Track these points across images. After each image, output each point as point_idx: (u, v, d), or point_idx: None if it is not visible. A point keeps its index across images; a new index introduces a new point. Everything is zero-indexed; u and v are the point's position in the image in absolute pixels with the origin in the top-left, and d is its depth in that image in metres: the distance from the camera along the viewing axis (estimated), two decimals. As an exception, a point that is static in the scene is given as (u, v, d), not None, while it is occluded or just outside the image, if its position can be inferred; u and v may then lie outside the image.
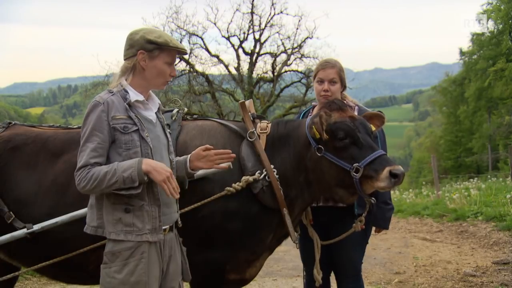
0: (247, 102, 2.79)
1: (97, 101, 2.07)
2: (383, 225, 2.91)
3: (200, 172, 2.45)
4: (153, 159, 2.08)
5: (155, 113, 2.26)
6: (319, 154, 2.45)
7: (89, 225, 2.11)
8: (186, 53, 2.27)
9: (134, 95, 2.14)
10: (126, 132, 2.05)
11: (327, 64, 2.86)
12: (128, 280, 2.02)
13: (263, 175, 2.52)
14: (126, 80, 2.16)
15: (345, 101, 2.89)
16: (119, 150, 2.05)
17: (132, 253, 2.03)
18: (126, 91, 2.13)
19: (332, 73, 2.83)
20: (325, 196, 2.73)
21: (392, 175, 2.26)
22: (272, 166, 2.54)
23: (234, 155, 2.33)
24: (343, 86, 2.90)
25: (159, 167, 2.00)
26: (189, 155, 2.33)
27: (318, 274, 2.81)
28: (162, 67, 2.16)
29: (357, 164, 2.33)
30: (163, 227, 2.13)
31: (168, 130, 2.61)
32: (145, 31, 2.17)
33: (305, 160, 2.55)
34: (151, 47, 2.13)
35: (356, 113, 2.74)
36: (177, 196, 2.05)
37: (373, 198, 2.50)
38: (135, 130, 2.07)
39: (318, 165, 2.49)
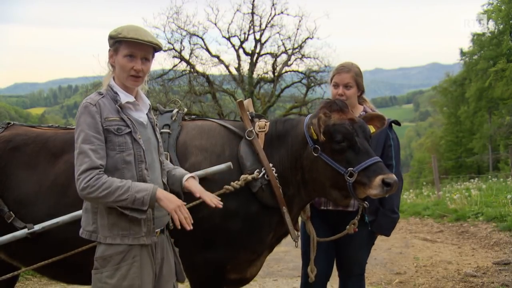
0: (245, 101, 2.79)
1: (89, 103, 2.02)
2: (385, 232, 2.95)
3: (200, 172, 2.44)
4: (145, 161, 2.07)
5: (146, 114, 2.22)
6: (315, 154, 2.43)
7: (85, 229, 2.07)
8: (150, 45, 2.07)
9: (125, 97, 2.10)
10: (120, 134, 2.02)
11: (343, 69, 2.87)
12: (120, 285, 1.99)
13: (262, 173, 2.51)
14: (114, 80, 2.13)
15: (363, 106, 2.92)
16: (112, 153, 2.01)
17: (123, 257, 2.00)
18: (116, 93, 2.09)
19: (347, 77, 2.84)
20: (320, 196, 2.73)
21: (385, 183, 2.24)
22: (271, 165, 2.54)
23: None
24: (360, 90, 2.91)
25: (171, 196, 2.01)
26: (186, 175, 2.23)
27: (311, 272, 2.82)
28: (121, 61, 2.07)
29: (352, 169, 2.31)
30: (156, 230, 2.11)
31: (165, 130, 2.59)
32: (115, 28, 2.11)
33: (302, 158, 2.53)
34: (111, 43, 2.10)
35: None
36: (190, 227, 2.00)
37: (366, 202, 2.51)
38: (128, 132, 2.04)
39: (314, 164, 2.46)
